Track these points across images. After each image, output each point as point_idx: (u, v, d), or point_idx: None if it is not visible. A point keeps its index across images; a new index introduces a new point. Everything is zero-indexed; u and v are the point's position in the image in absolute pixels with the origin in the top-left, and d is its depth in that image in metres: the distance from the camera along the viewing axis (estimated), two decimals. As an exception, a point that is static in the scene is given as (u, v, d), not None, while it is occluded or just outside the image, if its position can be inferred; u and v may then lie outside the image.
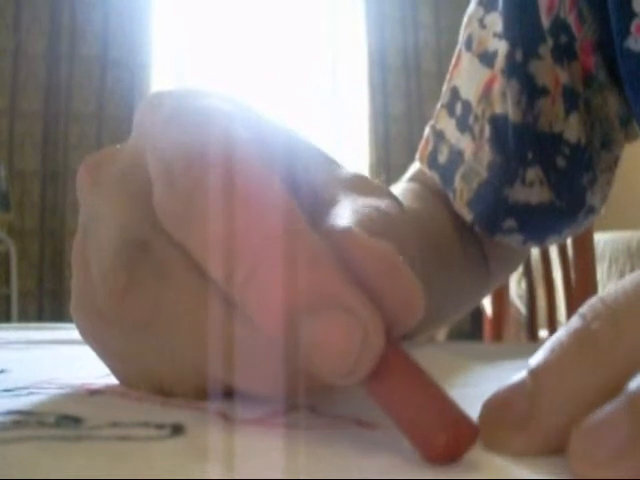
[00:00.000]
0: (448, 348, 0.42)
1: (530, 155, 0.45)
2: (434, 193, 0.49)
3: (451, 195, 0.48)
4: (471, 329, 3.10)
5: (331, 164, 0.24)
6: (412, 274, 0.18)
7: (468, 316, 3.10)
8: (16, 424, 0.19)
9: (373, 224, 0.20)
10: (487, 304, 2.10)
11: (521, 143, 0.44)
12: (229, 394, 0.22)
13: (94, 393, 0.24)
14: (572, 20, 0.43)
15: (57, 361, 0.34)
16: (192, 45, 3.18)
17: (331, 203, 0.22)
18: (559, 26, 0.43)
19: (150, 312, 0.21)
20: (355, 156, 3.33)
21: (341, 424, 0.20)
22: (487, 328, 2.31)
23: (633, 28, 0.38)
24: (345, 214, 0.20)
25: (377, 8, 3.44)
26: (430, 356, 0.35)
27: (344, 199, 0.22)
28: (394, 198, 0.23)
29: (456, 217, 0.48)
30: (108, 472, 0.15)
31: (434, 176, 0.49)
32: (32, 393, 0.24)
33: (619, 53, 0.40)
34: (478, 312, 2.84)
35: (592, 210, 0.47)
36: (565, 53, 0.43)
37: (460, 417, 0.16)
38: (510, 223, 0.46)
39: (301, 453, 0.17)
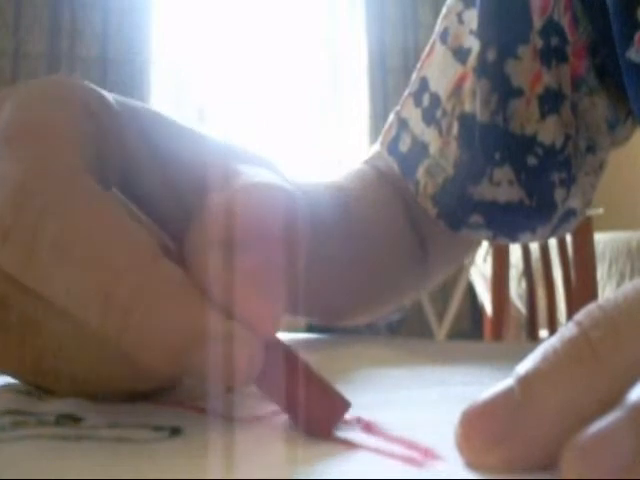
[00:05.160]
0: (448, 347, 0.42)
1: (497, 155, 0.44)
2: (382, 178, 0.48)
3: (413, 187, 0.47)
4: (471, 328, 3.09)
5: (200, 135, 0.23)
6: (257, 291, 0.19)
7: (468, 315, 3.10)
8: (16, 423, 0.19)
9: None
10: (487, 303, 2.10)
11: (487, 143, 0.44)
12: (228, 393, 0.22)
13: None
14: (566, 22, 0.42)
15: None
16: (192, 45, 3.18)
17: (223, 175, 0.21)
18: (551, 27, 0.42)
19: (34, 363, 0.21)
20: (355, 156, 3.34)
21: (341, 423, 0.20)
22: (487, 328, 2.32)
23: (636, 39, 0.37)
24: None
25: (377, 8, 3.44)
26: (429, 354, 0.35)
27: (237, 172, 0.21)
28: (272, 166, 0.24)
29: (397, 204, 0.47)
30: (107, 472, 0.15)
31: (392, 163, 0.48)
32: (32, 393, 0.24)
33: (622, 63, 0.39)
34: (478, 312, 2.84)
35: (573, 213, 0.46)
36: (554, 55, 0.43)
37: (332, 394, 0.19)
38: (476, 219, 0.46)
39: (300, 452, 0.17)
